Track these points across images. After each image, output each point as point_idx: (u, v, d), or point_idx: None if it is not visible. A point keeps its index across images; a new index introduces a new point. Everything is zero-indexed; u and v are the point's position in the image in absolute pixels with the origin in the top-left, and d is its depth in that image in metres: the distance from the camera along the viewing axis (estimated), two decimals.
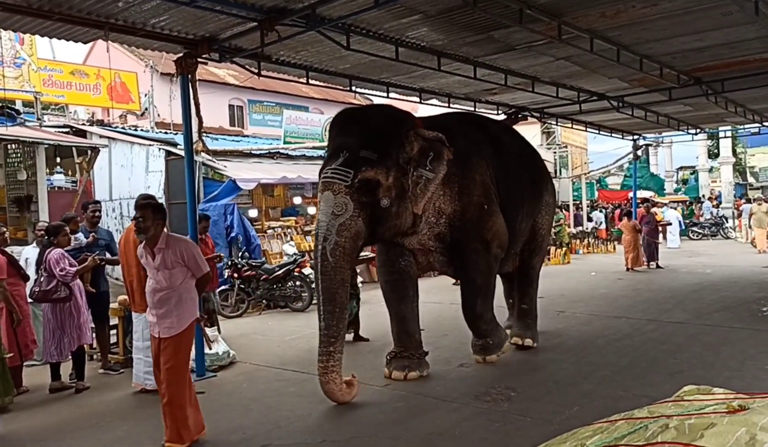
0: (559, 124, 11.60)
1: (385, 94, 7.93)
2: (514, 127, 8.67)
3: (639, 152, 16.06)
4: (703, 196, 29.07)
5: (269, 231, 13.04)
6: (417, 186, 5.08)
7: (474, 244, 5.66)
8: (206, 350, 6.23)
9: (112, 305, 6.68)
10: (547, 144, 23.11)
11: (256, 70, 6.53)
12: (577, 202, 23.52)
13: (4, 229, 5.90)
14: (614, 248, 19.68)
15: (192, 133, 6.18)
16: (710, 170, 32.38)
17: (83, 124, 12.48)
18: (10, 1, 4.55)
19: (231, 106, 20.61)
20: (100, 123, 14.06)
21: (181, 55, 5.95)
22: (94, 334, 6.48)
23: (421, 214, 5.28)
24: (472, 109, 9.35)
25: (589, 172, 24.58)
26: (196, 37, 5.66)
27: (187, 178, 6.19)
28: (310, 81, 7.09)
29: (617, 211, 24.27)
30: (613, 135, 13.72)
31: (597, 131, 12.78)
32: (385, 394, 5.26)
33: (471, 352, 6.05)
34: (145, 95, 16.00)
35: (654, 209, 15.97)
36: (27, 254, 7.10)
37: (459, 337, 6.74)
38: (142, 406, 5.27)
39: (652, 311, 8.54)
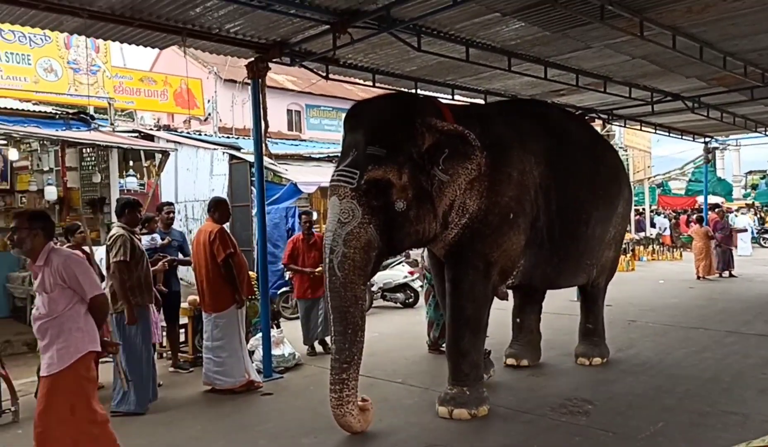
0: (627, 125, 11.16)
1: (450, 96, 7.82)
2: None
3: (708, 156, 15.30)
4: None
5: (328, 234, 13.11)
6: (432, 187, 4.37)
7: (476, 260, 4.71)
8: (273, 351, 6.28)
9: (182, 305, 6.82)
10: None
11: (324, 74, 6.54)
12: (640, 208, 22.67)
13: (83, 229, 6.09)
14: (681, 255, 18.88)
15: (262, 136, 6.23)
16: None
17: (151, 129, 12.90)
18: (96, 9, 4.69)
19: (289, 111, 20.93)
20: (167, 128, 14.51)
21: (252, 59, 6.03)
22: (164, 334, 6.62)
23: (448, 214, 4.53)
24: None
25: (653, 177, 23.65)
26: (268, 42, 5.72)
27: (257, 181, 6.25)
28: (376, 84, 7.05)
29: (683, 217, 23.32)
30: (683, 137, 13.13)
31: (667, 133, 12.26)
32: None
33: (436, 404, 4.80)
34: (208, 101, 16.44)
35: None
36: (101, 254, 7.36)
37: None
38: (212, 406, 5.34)
39: (731, 323, 8.08)
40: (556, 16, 5.17)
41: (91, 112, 10.93)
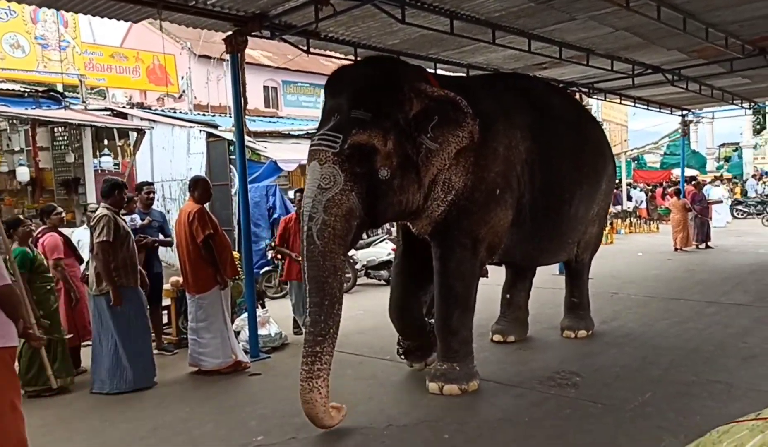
0: (607, 99, 11.18)
1: (432, 70, 7.69)
2: None
3: (685, 129, 15.43)
4: (748, 173, 28.09)
5: None
6: (419, 156, 4.18)
7: (462, 237, 4.60)
8: (260, 331, 6.21)
9: (164, 287, 6.69)
10: None
11: (305, 48, 6.38)
12: (616, 181, 22.89)
13: (61, 211, 5.92)
14: (657, 228, 19.20)
15: (242, 113, 6.07)
16: (755, 147, 31.23)
17: (124, 107, 12.55)
18: None
19: (266, 88, 20.56)
20: (140, 105, 14.13)
21: (230, 33, 5.84)
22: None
23: (433, 188, 4.37)
24: None
25: (630, 150, 23.87)
26: (247, 14, 5.53)
27: (239, 160, 6.11)
28: (357, 59, 6.90)
29: (659, 190, 23.63)
30: (661, 110, 13.22)
31: (645, 106, 12.31)
32: None
33: (426, 379, 4.79)
34: (182, 78, 16.03)
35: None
36: (79, 236, 7.17)
37: None
38: (199, 387, 5.27)
39: (711, 293, 8.23)
40: None
41: (61, 90, 10.60)
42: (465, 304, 4.74)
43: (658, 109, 12.99)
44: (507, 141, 4.76)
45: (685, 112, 14.35)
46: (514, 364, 5.43)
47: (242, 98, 6.11)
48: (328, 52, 7.00)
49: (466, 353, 4.79)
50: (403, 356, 5.38)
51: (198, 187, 5.57)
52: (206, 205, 5.71)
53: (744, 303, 7.48)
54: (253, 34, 5.72)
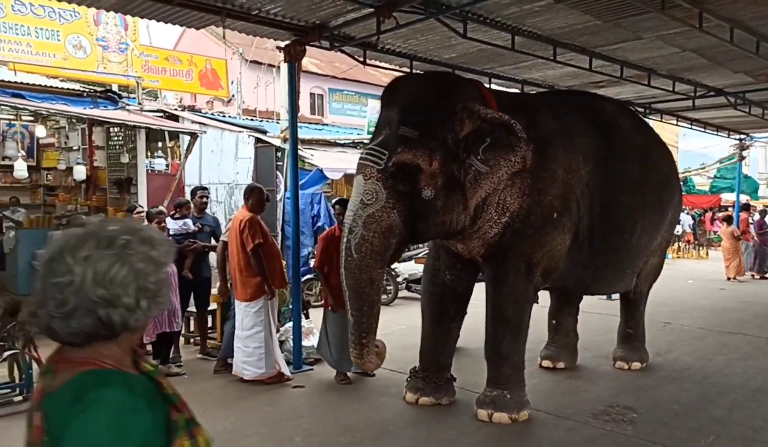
0: (663, 120, 10.83)
1: (487, 85, 7.58)
2: None
3: (742, 153, 14.85)
4: None
5: None
6: (467, 178, 4.07)
7: (517, 261, 4.47)
8: (303, 342, 6.16)
9: (212, 291, 6.71)
10: None
11: (362, 59, 6.34)
12: None
13: (142, 210, 6.24)
14: (707, 254, 18.54)
15: (296, 121, 6.07)
16: None
17: (175, 109, 12.78)
18: None
19: (312, 95, 20.73)
20: (191, 108, 14.38)
21: (289, 42, 5.86)
22: (176, 322, 6.08)
23: (484, 209, 4.27)
24: None
25: (681, 173, 23.06)
26: (308, 24, 5.53)
27: (291, 167, 6.12)
28: (414, 70, 6.84)
29: (707, 215, 22.85)
30: (719, 133, 12.76)
31: (702, 129, 11.89)
32: None
33: (475, 406, 4.63)
34: (232, 82, 16.25)
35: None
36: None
37: None
38: (243, 397, 5.24)
39: None
40: (612, 4, 4.92)
41: (116, 91, 10.85)
42: (517, 329, 4.58)
43: (715, 132, 12.54)
44: (567, 164, 4.60)
45: (742, 136, 13.83)
46: (565, 393, 5.24)
47: (295, 107, 6.12)
48: (383, 64, 6.95)
49: (517, 380, 4.63)
50: (410, 380, 5.04)
51: (252, 196, 5.57)
52: None
53: None
54: (311, 43, 5.71)
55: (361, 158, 4.11)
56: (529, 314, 4.70)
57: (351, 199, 4.13)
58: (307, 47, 5.86)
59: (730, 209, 22.00)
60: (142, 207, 6.87)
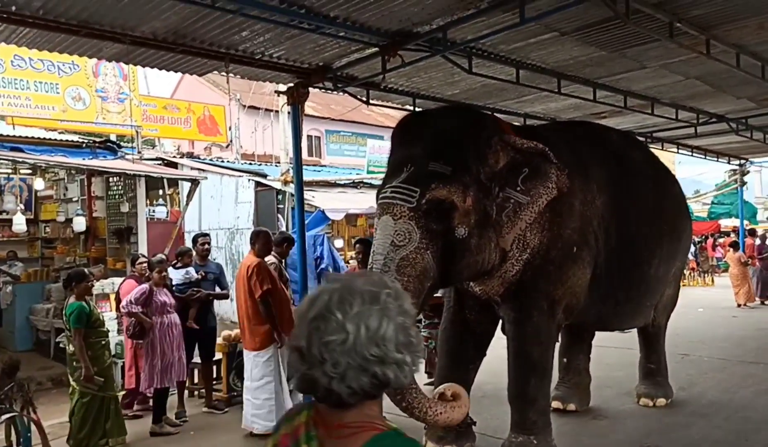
0: (664, 148, 10.83)
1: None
2: None
3: (743, 179, 14.87)
4: None
5: (351, 261, 12.83)
6: (503, 211, 3.91)
7: (540, 300, 4.29)
8: None
9: (217, 341, 6.50)
10: None
11: (365, 99, 6.30)
12: None
13: (145, 260, 6.31)
14: (713, 281, 18.36)
15: (301, 163, 5.99)
16: None
17: (174, 157, 12.76)
18: (138, 34, 4.49)
19: (309, 137, 20.82)
20: (190, 155, 14.37)
21: (291, 84, 5.81)
22: (182, 373, 5.89)
23: (510, 249, 4.07)
24: None
25: (689, 198, 23.00)
26: (311, 66, 5.50)
27: (297, 210, 5.99)
28: (417, 108, 6.80)
29: (709, 241, 22.76)
30: (719, 160, 12.77)
31: (703, 156, 11.90)
32: None
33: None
34: (230, 128, 16.32)
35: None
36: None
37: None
38: None
39: None
40: (618, 35, 4.89)
41: (115, 140, 10.82)
42: (543, 372, 4.36)
43: (715, 159, 12.55)
44: (583, 195, 4.44)
45: (742, 162, 13.85)
46: (593, 436, 5.00)
47: (298, 148, 6.05)
48: (386, 103, 6.92)
49: (544, 424, 4.39)
50: (429, 428, 4.51)
51: (259, 240, 5.44)
52: None
53: None
54: (315, 85, 5.67)
55: (384, 198, 3.80)
56: (552, 354, 4.51)
57: (377, 241, 3.76)
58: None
59: (732, 235, 22.01)
60: (145, 256, 6.74)
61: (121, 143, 10.31)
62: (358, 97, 6.36)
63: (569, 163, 4.35)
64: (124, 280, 6.67)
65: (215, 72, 5.58)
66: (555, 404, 5.61)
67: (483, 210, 3.84)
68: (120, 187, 9.55)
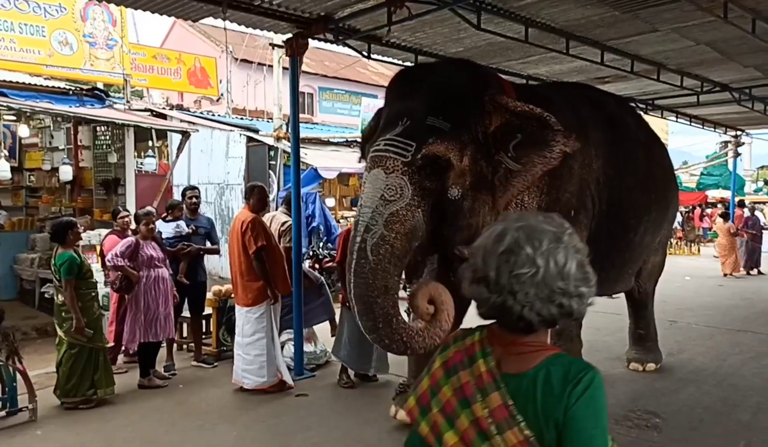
0: (664, 116, 10.71)
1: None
2: None
3: (737, 150, 14.81)
4: None
5: (342, 221, 12.73)
6: (496, 176, 3.71)
7: None
8: (306, 348, 5.90)
9: (207, 296, 6.42)
10: None
11: (365, 53, 6.09)
12: None
13: (127, 214, 6.09)
14: (699, 251, 18.55)
15: (298, 118, 5.81)
16: None
17: (163, 109, 12.43)
18: None
19: (301, 93, 20.36)
20: (179, 107, 14.03)
21: (290, 35, 5.58)
22: (170, 329, 5.71)
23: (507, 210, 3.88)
24: None
25: (680, 169, 23.16)
26: (312, 16, 5.26)
27: (293, 167, 5.84)
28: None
29: (697, 211, 22.92)
30: (716, 130, 12.69)
31: (701, 125, 11.80)
32: None
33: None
34: (221, 81, 15.92)
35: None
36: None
37: None
38: (245, 408, 4.96)
39: None
40: None
41: (102, 89, 10.48)
42: None
43: (712, 129, 12.46)
44: (582, 158, 4.27)
45: (738, 133, 13.79)
46: None
47: (297, 103, 5.86)
48: (386, 59, 6.70)
49: None
50: (400, 396, 4.44)
51: (254, 195, 5.29)
52: None
53: None
54: (315, 36, 5.45)
55: (376, 150, 3.60)
56: None
57: (365, 194, 3.59)
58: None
59: (719, 206, 22.16)
60: (128, 211, 6.48)
61: (109, 92, 9.97)
62: (359, 50, 6.14)
63: (571, 124, 4.10)
64: (106, 236, 6.35)
65: (210, 19, 5.34)
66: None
67: (479, 171, 3.65)
68: (108, 137, 9.28)
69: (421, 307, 3.01)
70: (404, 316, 3.53)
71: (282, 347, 5.82)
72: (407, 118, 3.57)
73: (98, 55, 9.70)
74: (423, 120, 3.54)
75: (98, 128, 9.54)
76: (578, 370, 1.26)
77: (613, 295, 6.16)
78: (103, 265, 6.05)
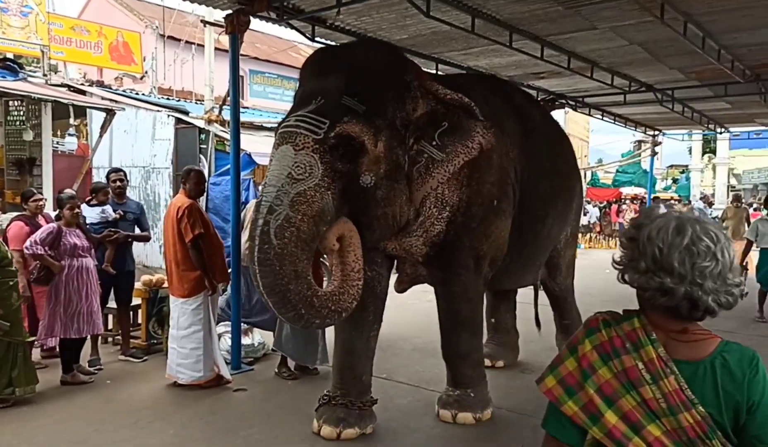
0: (591, 114, 11.14)
1: (433, 71, 7.36)
2: None
3: (654, 149, 15.72)
4: (694, 195, 29.16)
5: None
6: (415, 166, 3.63)
7: (465, 258, 4.14)
8: (243, 341, 5.68)
9: (136, 285, 6.05)
10: None
11: (309, 35, 5.90)
12: None
13: (40, 198, 5.47)
14: (615, 244, 19.54)
15: (239, 100, 5.56)
16: (702, 170, 32.54)
17: (82, 84, 11.62)
18: None
19: None
20: (99, 84, 13.15)
21: (230, 11, 5.32)
22: (97, 323, 5.27)
23: (423, 203, 3.85)
24: None
25: (596, 166, 24.31)
26: None
27: (233, 150, 5.57)
28: None
29: (614, 207, 24.18)
30: (637, 129, 13.36)
31: (623, 124, 12.38)
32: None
33: (436, 406, 4.41)
34: (144, 58, 15.09)
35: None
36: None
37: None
38: (181, 404, 4.72)
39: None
40: None
41: (15, 59, 9.65)
42: (474, 327, 4.38)
43: (633, 128, 13.11)
44: (500, 148, 4.24)
45: (656, 133, 14.59)
46: (521, 390, 5.12)
47: (237, 83, 5.61)
48: (329, 42, 6.52)
49: (479, 377, 4.44)
50: (324, 409, 4.14)
51: (190, 179, 5.01)
52: None
53: (730, 330, 7.46)
54: (258, 14, 5.21)
55: (287, 126, 3.39)
56: (482, 309, 4.59)
57: (272, 172, 3.33)
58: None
59: (631, 202, 23.49)
60: (42, 195, 5.91)
61: (23, 64, 9.18)
62: (303, 32, 5.94)
63: (486, 114, 4.02)
64: (12, 221, 5.57)
65: None
66: (485, 362, 5.71)
67: (394, 160, 3.53)
68: (22, 113, 8.56)
69: (329, 239, 3.28)
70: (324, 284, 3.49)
71: (220, 338, 5.59)
72: (321, 97, 3.41)
73: (11, 23, 8.90)
74: (338, 99, 3.38)
75: (11, 103, 8.78)
76: (750, 357, 1.36)
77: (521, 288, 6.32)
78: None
